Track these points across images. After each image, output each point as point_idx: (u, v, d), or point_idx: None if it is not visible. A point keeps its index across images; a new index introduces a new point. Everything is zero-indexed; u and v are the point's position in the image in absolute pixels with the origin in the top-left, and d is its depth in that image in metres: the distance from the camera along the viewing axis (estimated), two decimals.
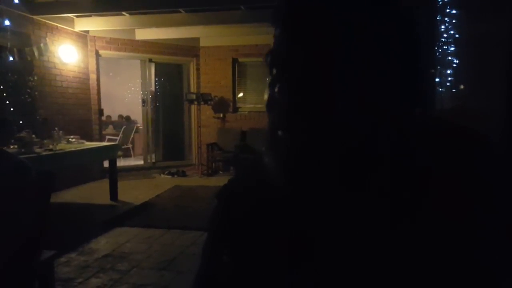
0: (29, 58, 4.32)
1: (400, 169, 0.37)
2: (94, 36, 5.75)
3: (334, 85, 0.36)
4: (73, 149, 3.80)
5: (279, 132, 0.38)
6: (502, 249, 0.36)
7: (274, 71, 0.39)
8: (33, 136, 3.57)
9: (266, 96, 0.40)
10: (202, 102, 6.39)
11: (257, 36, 5.95)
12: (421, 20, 0.40)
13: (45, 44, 4.61)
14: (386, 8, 0.38)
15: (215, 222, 0.49)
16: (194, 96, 6.36)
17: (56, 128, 4.08)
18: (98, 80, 5.88)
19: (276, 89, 0.38)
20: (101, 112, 6.05)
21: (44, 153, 3.41)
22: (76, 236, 3.29)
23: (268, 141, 0.40)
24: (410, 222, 0.36)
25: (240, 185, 0.49)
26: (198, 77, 6.81)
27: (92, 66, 5.78)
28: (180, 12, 5.07)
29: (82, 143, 4.22)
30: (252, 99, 6.75)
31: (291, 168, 0.38)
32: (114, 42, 5.95)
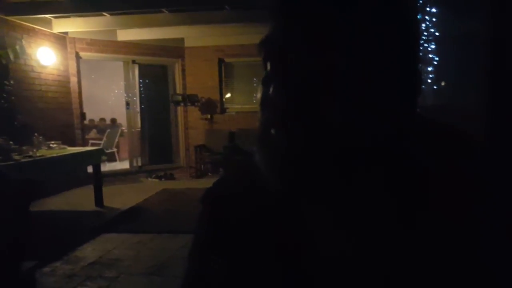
0: (4, 62, 4.14)
1: (400, 169, 0.36)
2: (74, 38, 5.58)
3: (334, 83, 0.33)
4: (54, 155, 3.66)
5: (272, 131, 0.35)
6: (502, 249, 0.36)
7: (269, 65, 0.36)
8: (11, 142, 3.42)
9: (259, 94, 0.37)
10: (188, 104, 6.31)
11: (243, 36, 5.90)
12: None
13: (21, 46, 4.43)
14: (389, 6, 0.36)
15: (201, 227, 0.46)
16: (180, 98, 6.27)
17: (36, 134, 3.93)
18: (79, 83, 5.71)
19: (272, 87, 0.35)
20: (83, 116, 5.89)
21: (24, 160, 3.28)
22: (61, 244, 3.17)
23: (259, 140, 0.37)
24: (410, 222, 0.36)
25: (225, 188, 0.47)
26: (183, 78, 6.71)
27: (73, 68, 5.61)
28: (163, 12, 4.98)
29: (64, 148, 4.08)
30: (240, 100, 6.70)
31: (283, 168, 0.36)
32: (95, 44, 5.80)
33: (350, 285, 0.36)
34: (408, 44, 0.36)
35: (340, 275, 0.37)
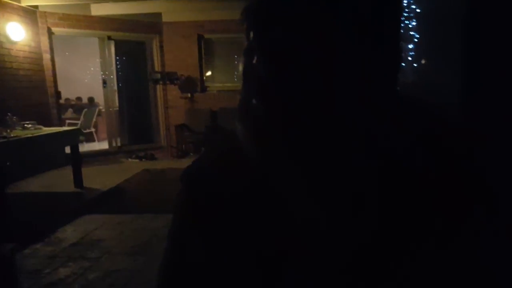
0: None
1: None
2: (45, 12, 5.28)
3: (316, 55, 0.33)
4: (29, 135, 3.54)
5: (253, 101, 0.35)
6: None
7: (252, 34, 0.35)
8: None
9: (241, 65, 0.37)
10: (167, 82, 6.16)
11: (223, 11, 5.72)
12: None
13: None
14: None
15: (180, 206, 0.46)
16: (158, 76, 6.11)
17: (9, 114, 3.78)
18: (52, 60, 5.46)
19: (254, 57, 0.35)
20: (58, 94, 5.67)
21: None
22: (41, 226, 3.12)
23: (240, 110, 0.37)
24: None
25: (204, 167, 0.46)
26: (162, 55, 6.52)
27: (45, 45, 5.34)
28: None
29: (40, 128, 3.94)
30: (221, 78, 6.59)
31: (261, 137, 0.36)
32: (67, 19, 5.51)
33: (324, 263, 0.36)
34: (389, 21, 0.36)
35: (314, 250, 0.36)
